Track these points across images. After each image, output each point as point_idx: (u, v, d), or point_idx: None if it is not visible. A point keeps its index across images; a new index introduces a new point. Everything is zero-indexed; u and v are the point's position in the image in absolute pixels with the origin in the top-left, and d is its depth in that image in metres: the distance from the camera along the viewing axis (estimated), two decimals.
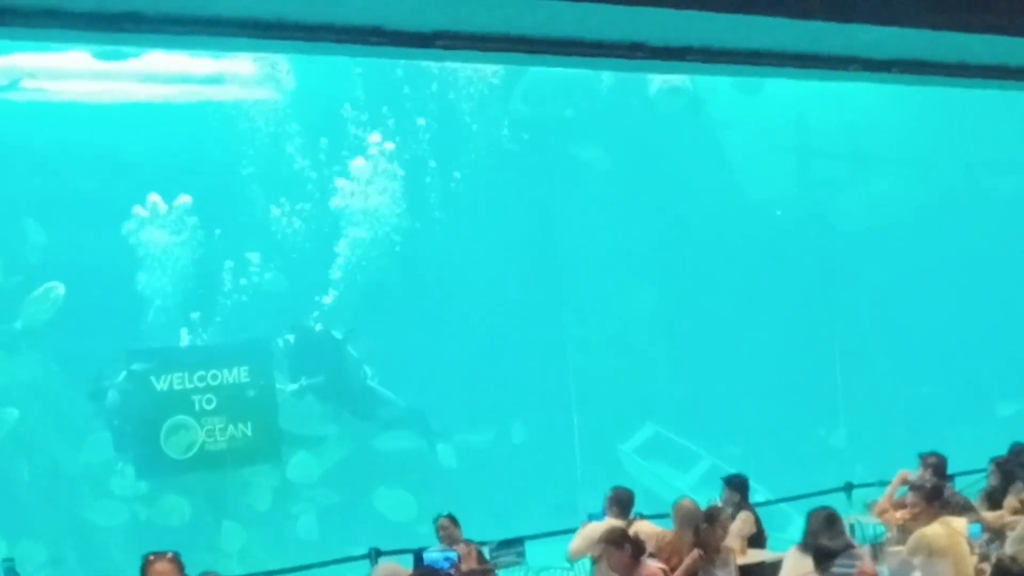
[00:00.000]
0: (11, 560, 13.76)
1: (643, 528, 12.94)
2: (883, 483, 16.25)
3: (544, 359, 27.45)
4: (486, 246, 26.67)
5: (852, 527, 14.80)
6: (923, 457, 15.26)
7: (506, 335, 26.86)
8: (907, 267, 28.71)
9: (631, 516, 13.42)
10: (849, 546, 10.97)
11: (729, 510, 14.10)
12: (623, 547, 11.09)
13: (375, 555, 15.06)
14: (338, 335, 24.31)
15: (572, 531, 13.80)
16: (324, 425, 24.33)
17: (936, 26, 10.54)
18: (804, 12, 10.25)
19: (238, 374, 22.80)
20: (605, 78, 26.58)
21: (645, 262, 28.42)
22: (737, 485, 14.50)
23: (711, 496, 15.13)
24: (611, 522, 12.93)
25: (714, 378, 27.73)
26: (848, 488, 18.26)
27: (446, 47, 9.99)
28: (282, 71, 25.24)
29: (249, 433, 22.86)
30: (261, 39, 9.52)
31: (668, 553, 12.40)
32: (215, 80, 24.83)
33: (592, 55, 10.62)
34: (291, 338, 24.02)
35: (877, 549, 12.86)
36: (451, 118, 26.46)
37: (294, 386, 23.79)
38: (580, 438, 27.30)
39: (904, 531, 13.20)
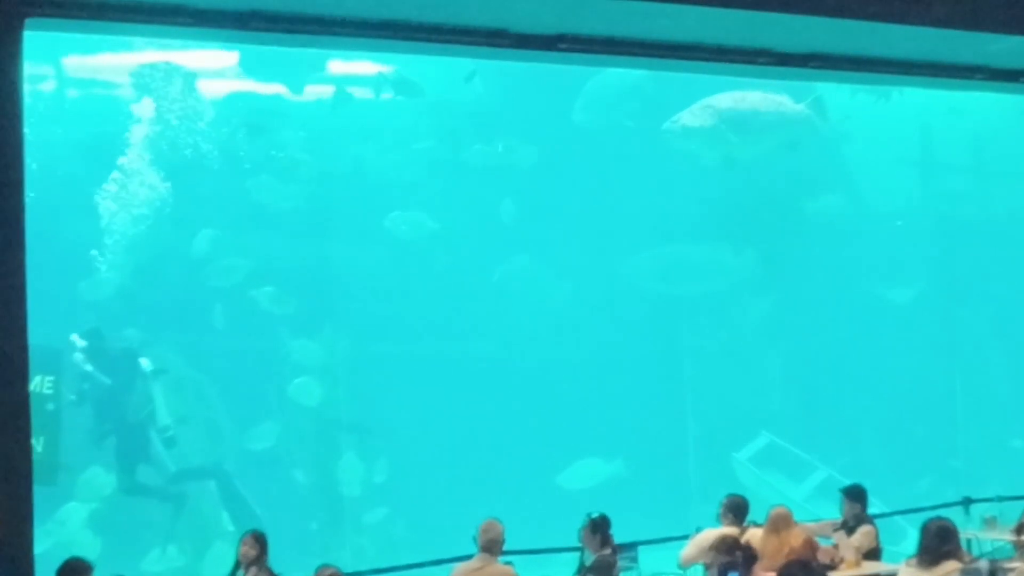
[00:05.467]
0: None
1: (754, 536, 12.87)
2: (1002, 499, 16.01)
3: (660, 370, 27.42)
4: (596, 260, 26.88)
5: (969, 542, 14.60)
6: None
7: (625, 346, 26.88)
8: None
9: (745, 524, 13.37)
10: None
11: (849, 522, 14.01)
12: (734, 555, 11.03)
13: None
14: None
15: (685, 538, 13.78)
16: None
17: None
18: (931, 20, 10.17)
19: (40, 383, 19.58)
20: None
21: (759, 272, 28.23)
22: (856, 496, 14.28)
23: (827, 507, 15.00)
24: (725, 530, 12.90)
25: (829, 388, 27.48)
26: (966, 503, 17.95)
27: (569, 50, 10.06)
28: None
29: (39, 450, 18.66)
30: (387, 39, 9.65)
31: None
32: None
33: (715, 60, 10.63)
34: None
35: (995, 565, 12.66)
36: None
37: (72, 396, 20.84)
38: (695, 446, 27.18)
39: None
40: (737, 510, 13.48)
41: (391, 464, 24.78)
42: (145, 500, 21.73)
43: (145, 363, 21.57)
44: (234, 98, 24.86)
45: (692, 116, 26.08)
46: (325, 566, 11.03)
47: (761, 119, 26.72)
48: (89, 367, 21.00)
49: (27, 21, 8.57)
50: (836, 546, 13.35)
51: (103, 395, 21.13)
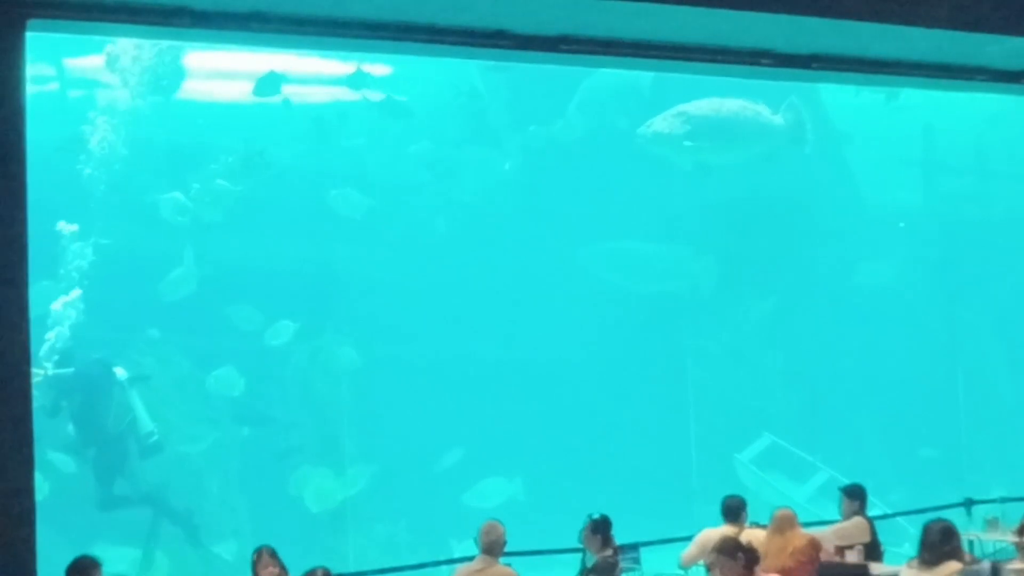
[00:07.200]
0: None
1: (756, 537, 12.86)
2: (1005, 500, 16.00)
3: (663, 370, 27.44)
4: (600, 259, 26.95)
5: (971, 543, 14.60)
6: None
7: (629, 346, 26.91)
8: None
9: (745, 524, 13.37)
10: None
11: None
12: (736, 557, 11.01)
13: None
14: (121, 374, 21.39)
15: (687, 538, 13.79)
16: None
17: None
18: (932, 21, 10.17)
19: None
20: None
21: (761, 273, 28.23)
22: (854, 494, 14.30)
23: (829, 508, 15.00)
24: (726, 529, 12.90)
25: (830, 389, 27.51)
26: (968, 504, 17.95)
27: (570, 51, 10.05)
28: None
29: None
30: (388, 40, 9.66)
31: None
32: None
33: (717, 61, 10.62)
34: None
35: (997, 566, 12.67)
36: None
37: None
38: (697, 447, 27.19)
39: None
40: (729, 510, 13.51)
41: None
42: (121, 514, 21.39)
43: (120, 372, 21.30)
44: (232, 99, 24.87)
45: (664, 122, 26.13)
46: (315, 569, 10.96)
47: (738, 126, 26.68)
48: (65, 381, 20.64)
49: (28, 23, 8.57)
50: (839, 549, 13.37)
51: (79, 409, 20.83)
